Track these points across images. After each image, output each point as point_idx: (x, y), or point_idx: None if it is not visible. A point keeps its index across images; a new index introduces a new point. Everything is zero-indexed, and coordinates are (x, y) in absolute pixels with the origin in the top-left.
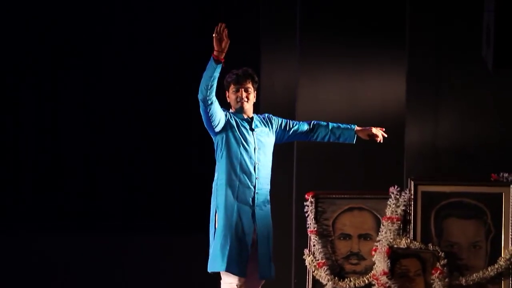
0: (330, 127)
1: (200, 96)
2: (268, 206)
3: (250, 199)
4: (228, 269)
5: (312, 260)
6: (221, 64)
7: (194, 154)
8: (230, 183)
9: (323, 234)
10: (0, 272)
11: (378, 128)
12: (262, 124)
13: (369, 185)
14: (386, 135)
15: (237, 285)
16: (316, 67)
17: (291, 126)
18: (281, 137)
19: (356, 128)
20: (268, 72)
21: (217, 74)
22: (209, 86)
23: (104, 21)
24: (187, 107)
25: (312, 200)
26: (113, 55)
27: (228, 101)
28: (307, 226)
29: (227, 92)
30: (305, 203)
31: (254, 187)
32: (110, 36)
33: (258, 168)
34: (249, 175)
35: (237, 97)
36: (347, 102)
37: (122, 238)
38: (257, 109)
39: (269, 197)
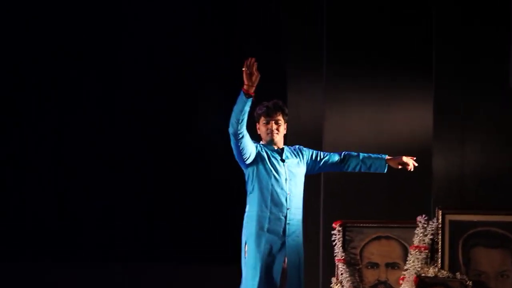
0: (360, 158)
1: (230, 130)
2: (301, 237)
3: (281, 230)
4: None
5: None
6: (251, 98)
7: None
8: (261, 214)
9: (350, 262)
10: None
11: (409, 157)
12: (293, 155)
13: (397, 214)
14: (416, 164)
15: None
16: (343, 98)
17: (322, 157)
18: (312, 168)
19: (387, 157)
20: (295, 104)
21: (247, 108)
22: (240, 120)
23: (109, 23)
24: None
25: (339, 229)
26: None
27: (259, 132)
28: (335, 254)
29: (257, 124)
30: (332, 232)
31: (285, 217)
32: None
33: (289, 199)
34: (280, 206)
35: (267, 129)
36: (374, 133)
37: (148, 266)
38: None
39: (301, 228)
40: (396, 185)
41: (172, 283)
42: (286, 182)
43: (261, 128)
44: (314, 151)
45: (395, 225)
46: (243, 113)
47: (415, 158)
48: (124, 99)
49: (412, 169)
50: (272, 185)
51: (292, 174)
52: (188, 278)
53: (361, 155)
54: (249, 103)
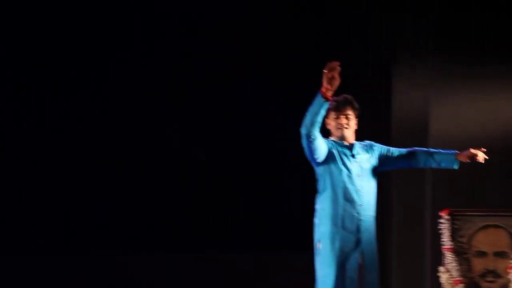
0: (430, 153)
1: (303, 131)
2: (374, 233)
3: (355, 226)
4: None
5: (448, 278)
6: (328, 102)
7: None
8: (334, 212)
9: (458, 251)
10: None
11: (477, 149)
12: (364, 150)
13: (505, 203)
14: (486, 157)
15: None
16: (449, 88)
17: (392, 153)
18: (382, 164)
19: (457, 153)
20: (400, 95)
21: (323, 111)
22: (314, 122)
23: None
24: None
25: (447, 217)
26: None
27: (328, 127)
28: (442, 243)
29: (326, 119)
30: (439, 221)
31: (358, 214)
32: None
33: (361, 195)
34: (352, 202)
35: (337, 124)
36: (481, 124)
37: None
38: (388, 132)
39: (374, 224)
40: (504, 173)
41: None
42: (357, 178)
43: (331, 123)
44: (385, 147)
45: (504, 214)
46: (318, 115)
47: (485, 150)
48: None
49: (482, 161)
50: (343, 181)
51: (363, 170)
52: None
53: (431, 150)
54: (325, 106)
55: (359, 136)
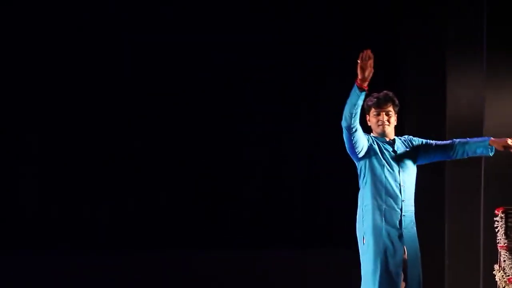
0: (467, 142)
1: (344, 124)
2: (415, 228)
3: (397, 221)
4: None
5: (502, 276)
6: (365, 92)
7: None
8: (377, 207)
9: None
10: None
11: None
12: (404, 146)
13: None
14: None
15: None
16: (503, 82)
17: (432, 145)
18: (423, 158)
19: (491, 139)
20: (454, 90)
21: (361, 102)
22: (353, 114)
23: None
24: None
25: (502, 215)
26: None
27: (369, 124)
28: (497, 241)
29: (367, 115)
30: (495, 219)
31: (401, 209)
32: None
33: (403, 190)
34: (395, 197)
35: (378, 121)
36: None
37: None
38: (443, 127)
39: (414, 219)
40: None
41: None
42: (399, 173)
43: (372, 120)
44: (424, 140)
45: None
46: (356, 107)
47: None
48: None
49: None
50: (385, 177)
51: (404, 165)
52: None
53: (467, 140)
54: (362, 97)
55: (414, 133)
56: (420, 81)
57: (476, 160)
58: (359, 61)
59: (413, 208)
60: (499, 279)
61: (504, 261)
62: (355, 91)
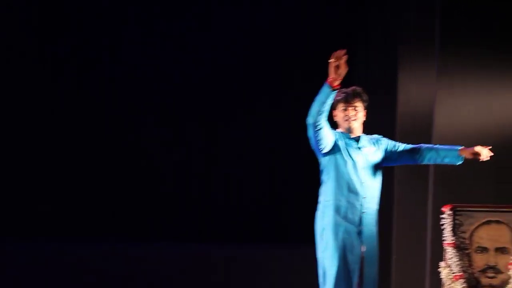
0: (435, 149)
1: (310, 121)
2: (376, 227)
3: (358, 218)
4: None
5: (448, 273)
6: (335, 91)
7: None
8: (337, 203)
9: (460, 247)
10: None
11: (483, 147)
12: (370, 144)
13: (507, 199)
14: (492, 154)
15: None
16: (455, 80)
17: (398, 148)
18: (388, 159)
19: (461, 148)
20: (406, 87)
21: (330, 101)
22: (321, 112)
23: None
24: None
25: (449, 212)
26: None
27: (336, 119)
28: (444, 238)
29: (334, 111)
30: (442, 216)
31: (361, 206)
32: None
33: (365, 188)
34: (356, 194)
35: (345, 116)
36: (485, 118)
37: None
38: (393, 124)
39: (376, 217)
40: (507, 169)
41: None
42: (362, 170)
43: (339, 115)
44: (392, 141)
45: (506, 210)
46: (325, 105)
47: (490, 147)
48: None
49: (484, 160)
50: (348, 173)
51: (368, 163)
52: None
53: (436, 146)
54: (332, 96)
55: (365, 130)
56: (372, 78)
57: None
58: (331, 60)
59: (375, 206)
60: (445, 276)
61: (450, 258)
62: (325, 89)
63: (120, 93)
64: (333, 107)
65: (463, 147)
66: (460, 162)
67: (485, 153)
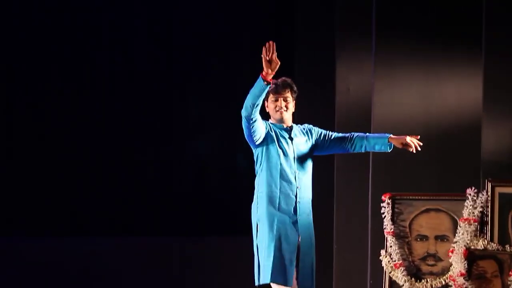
0: (365, 137)
1: (244, 113)
2: (311, 216)
3: (292, 208)
4: (274, 280)
5: (389, 261)
6: (269, 85)
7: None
8: (271, 194)
9: (399, 235)
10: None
11: (413, 137)
12: (302, 134)
13: (446, 187)
14: (421, 144)
15: None
16: (392, 70)
17: (330, 137)
18: (320, 148)
19: (390, 136)
20: (344, 77)
21: (264, 94)
22: (255, 105)
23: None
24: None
25: (388, 201)
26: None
27: (267, 110)
28: (384, 227)
29: (266, 101)
30: (381, 204)
31: (296, 196)
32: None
33: (298, 177)
34: (290, 184)
35: (276, 107)
36: (423, 106)
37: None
38: (332, 114)
39: (311, 206)
40: (446, 158)
41: None
42: (294, 160)
43: (270, 106)
44: (324, 131)
45: (445, 198)
46: (259, 98)
47: (419, 137)
48: None
49: (414, 151)
50: (281, 164)
51: (300, 152)
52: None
53: (366, 134)
54: (266, 89)
55: (303, 120)
56: (309, 68)
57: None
58: (263, 55)
59: (309, 196)
60: (386, 265)
61: (391, 246)
62: (259, 83)
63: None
64: (264, 98)
65: (391, 135)
66: (389, 150)
67: (414, 144)
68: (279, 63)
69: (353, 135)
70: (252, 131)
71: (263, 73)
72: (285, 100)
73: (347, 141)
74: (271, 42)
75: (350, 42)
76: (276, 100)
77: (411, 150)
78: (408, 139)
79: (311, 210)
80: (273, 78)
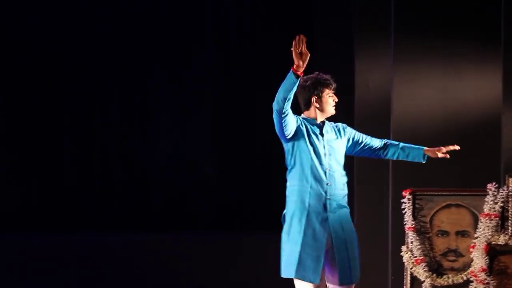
0: (400, 146)
1: (276, 107)
2: (345, 210)
3: (322, 204)
4: (298, 276)
5: (410, 257)
6: (300, 78)
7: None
8: (301, 190)
9: (420, 231)
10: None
11: (450, 146)
12: (333, 131)
13: (467, 182)
14: (457, 148)
15: None
16: (411, 65)
17: (363, 140)
18: (351, 149)
19: (426, 148)
20: (363, 72)
21: (295, 88)
22: (287, 99)
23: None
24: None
25: (409, 197)
26: None
27: (317, 105)
28: (405, 223)
29: (314, 96)
30: (402, 200)
31: (326, 193)
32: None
33: (329, 174)
34: (320, 181)
35: (332, 102)
36: (442, 101)
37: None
38: (351, 109)
39: (345, 201)
40: (466, 153)
41: None
42: (325, 157)
43: (326, 100)
44: (357, 133)
45: (465, 193)
46: (291, 92)
47: (458, 148)
48: None
49: (448, 157)
50: (311, 159)
51: (331, 149)
52: None
53: (401, 144)
54: (297, 83)
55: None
56: (328, 64)
57: None
58: (293, 49)
59: (342, 192)
60: (407, 260)
61: (412, 242)
62: (290, 77)
63: None
64: (312, 93)
65: (426, 147)
66: (424, 161)
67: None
68: (309, 54)
69: (387, 142)
70: (283, 125)
71: (294, 66)
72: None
73: (380, 148)
74: (301, 35)
75: (369, 37)
76: (330, 96)
77: (446, 157)
78: (444, 149)
79: (347, 206)
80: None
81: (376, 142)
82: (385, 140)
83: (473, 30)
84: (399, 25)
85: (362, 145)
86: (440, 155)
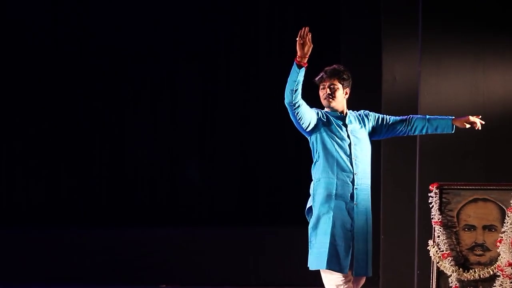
0: (427, 119)
1: (286, 100)
2: (369, 203)
3: (349, 195)
4: (330, 267)
5: (436, 251)
6: (304, 68)
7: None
8: (328, 181)
9: (447, 225)
10: None
11: (475, 116)
12: (356, 120)
13: (494, 176)
14: (483, 122)
15: (342, 281)
16: (438, 59)
17: (388, 121)
18: (379, 133)
19: (454, 118)
20: (390, 66)
21: (301, 78)
22: (294, 91)
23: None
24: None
25: (436, 191)
26: None
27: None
28: (432, 217)
29: (319, 91)
30: (429, 194)
31: (353, 183)
32: None
33: (355, 164)
34: (346, 171)
35: (323, 94)
36: (470, 96)
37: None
38: (378, 103)
39: (369, 193)
40: (493, 147)
41: None
42: (350, 147)
43: (320, 94)
44: (380, 115)
45: (493, 187)
46: (296, 83)
47: (480, 117)
48: None
49: (479, 128)
50: (336, 150)
51: (356, 139)
52: None
53: (427, 116)
54: (302, 73)
55: (352, 108)
56: (355, 57)
57: (411, 137)
58: (298, 39)
59: (368, 182)
60: (434, 255)
61: (438, 236)
62: (294, 68)
63: None
64: (319, 88)
65: (454, 117)
66: (452, 131)
67: (478, 121)
68: (312, 45)
69: (412, 117)
70: (298, 117)
71: (297, 57)
72: (332, 88)
73: (406, 124)
74: (306, 28)
75: (396, 30)
76: (323, 88)
77: (476, 128)
78: (472, 118)
79: (369, 197)
80: (327, 67)
81: (401, 119)
82: (411, 116)
83: (502, 23)
84: (427, 19)
85: (388, 125)
86: (467, 125)
